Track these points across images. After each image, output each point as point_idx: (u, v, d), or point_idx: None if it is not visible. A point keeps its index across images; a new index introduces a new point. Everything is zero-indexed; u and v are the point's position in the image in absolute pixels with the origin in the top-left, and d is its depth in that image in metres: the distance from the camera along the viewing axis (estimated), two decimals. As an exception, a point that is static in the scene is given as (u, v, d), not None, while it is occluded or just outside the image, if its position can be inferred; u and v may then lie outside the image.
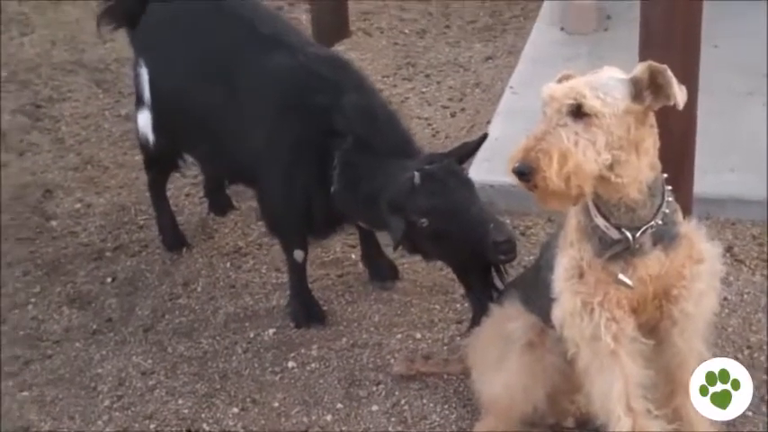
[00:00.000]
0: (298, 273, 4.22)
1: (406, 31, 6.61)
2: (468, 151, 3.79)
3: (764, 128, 4.90)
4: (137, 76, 4.47)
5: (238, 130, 4.06)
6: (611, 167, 2.81)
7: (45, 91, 6.30)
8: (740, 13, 5.80)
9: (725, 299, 3.93)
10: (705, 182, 4.19)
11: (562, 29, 6.08)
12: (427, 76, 6.05)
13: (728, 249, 4.26)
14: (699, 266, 3.10)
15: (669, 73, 2.80)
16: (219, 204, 4.99)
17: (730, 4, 5.63)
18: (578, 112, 2.75)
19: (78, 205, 5.20)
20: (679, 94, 2.80)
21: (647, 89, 2.82)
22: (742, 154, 4.75)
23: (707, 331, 3.20)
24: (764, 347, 3.79)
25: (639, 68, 2.83)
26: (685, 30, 3.65)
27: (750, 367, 3.62)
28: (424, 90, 5.90)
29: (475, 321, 3.67)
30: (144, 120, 4.49)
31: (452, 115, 5.60)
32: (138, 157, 5.48)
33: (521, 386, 3.33)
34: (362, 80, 4.02)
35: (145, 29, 4.43)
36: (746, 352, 3.78)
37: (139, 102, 4.49)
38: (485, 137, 3.84)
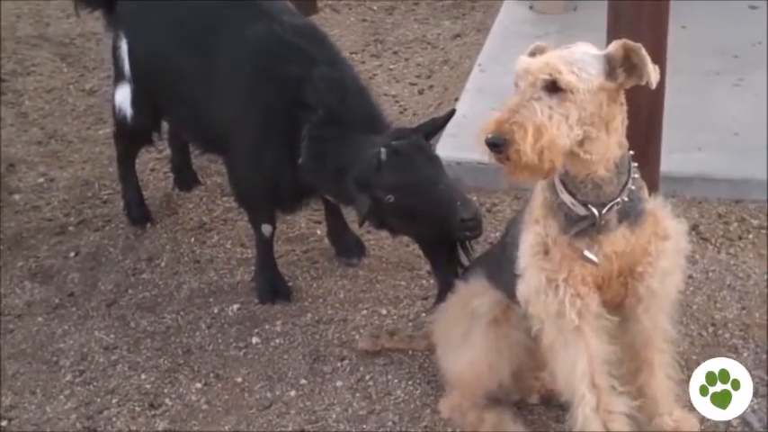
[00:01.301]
0: (264, 248, 4.20)
1: (375, 7, 6.58)
2: (435, 127, 3.76)
3: (732, 107, 4.92)
4: (116, 50, 4.43)
5: (212, 98, 4.03)
6: (581, 143, 2.80)
7: (9, 65, 6.23)
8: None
9: (690, 277, 3.94)
10: (672, 160, 4.21)
11: (531, 8, 6.07)
12: (395, 52, 6.03)
13: (694, 228, 4.27)
14: (664, 243, 3.10)
15: (643, 52, 2.78)
16: (185, 180, 4.96)
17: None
18: (553, 86, 2.74)
19: (41, 179, 5.15)
20: (653, 74, 2.79)
21: (620, 67, 2.80)
22: (709, 133, 4.76)
23: (672, 309, 3.22)
24: (729, 325, 3.79)
25: (614, 46, 2.82)
26: (653, 9, 3.64)
27: (714, 345, 3.69)
28: (392, 67, 5.87)
29: (440, 297, 3.66)
30: (122, 95, 4.45)
31: (420, 92, 5.59)
32: (102, 132, 5.50)
33: (486, 363, 3.32)
34: (335, 53, 3.99)
35: (124, 2, 4.39)
36: (711, 329, 3.78)
37: (118, 77, 4.46)
38: (452, 113, 3.82)
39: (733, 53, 5.39)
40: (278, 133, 3.85)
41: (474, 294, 3.38)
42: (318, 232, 4.56)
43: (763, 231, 4.27)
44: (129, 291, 4.33)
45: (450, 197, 3.55)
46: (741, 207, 4.42)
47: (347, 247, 4.38)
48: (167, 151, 5.10)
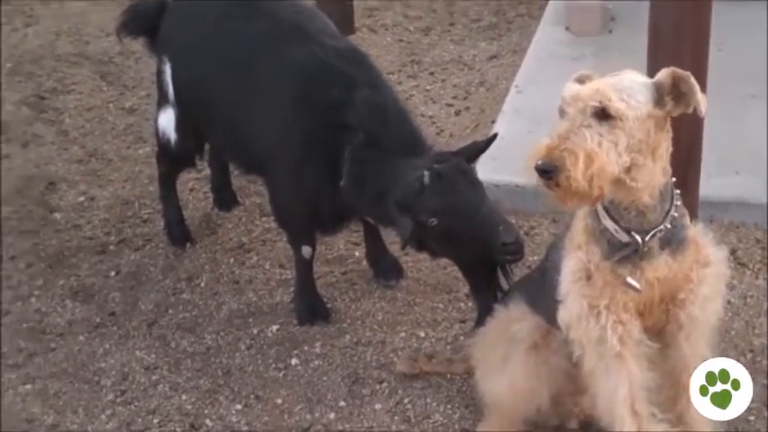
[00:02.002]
0: (304, 269, 4.23)
1: (411, 28, 6.60)
2: (477, 150, 3.78)
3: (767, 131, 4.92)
4: (159, 74, 4.47)
5: (255, 122, 4.06)
6: (627, 170, 2.81)
7: (49, 83, 6.28)
8: (742, 15, 5.80)
9: (728, 302, 3.93)
10: (709, 185, 4.20)
11: (567, 29, 6.08)
12: (431, 73, 6.05)
13: (732, 252, 4.26)
14: (705, 270, 3.11)
15: (692, 80, 2.80)
16: (225, 200, 5.00)
17: (732, 6, 5.63)
18: (602, 113, 2.75)
19: (82, 198, 5.19)
20: (702, 102, 2.81)
21: (668, 95, 2.82)
22: (746, 157, 4.76)
23: (712, 336, 3.21)
24: (766, 351, 3.79)
25: (662, 73, 2.83)
26: (695, 33, 3.65)
27: (752, 372, 3.65)
28: (428, 88, 5.90)
29: (480, 321, 3.68)
30: (166, 119, 4.49)
31: (457, 113, 5.61)
32: (142, 151, 5.55)
33: (525, 388, 3.33)
34: (377, 75, 4.01)
35: (167, 27, 4.43)
36: (749, 356, 3.79)
37: (162, 100, 4.50)
38: (494, 137, 3.84)
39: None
40: (319, 156, 3.88)
41: (514, 319, 3.40)
42: (357, 254, 4.58)
43: (801, 257, 4.28)
44: (170, 310, 4.37)
45: (493, 221, 3.57)
46: (779, 232, 4.42)
47: (385, 269, 4.40)
48: (207, 171, 5.13)
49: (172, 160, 4.68)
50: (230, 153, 4.52)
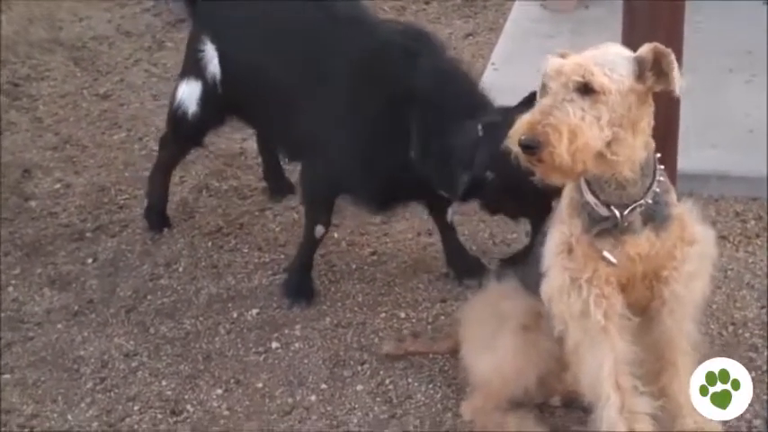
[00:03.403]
0: (310, 247, 4.21)
1: (386, 7, 6.56)
2: (528, 103, 3.72)
3: (746, 104, 4.91)
4: (195, 47, 4.38)
5: (314, 106, 4.01)
6: (608, 145, 2.80)
7: (22, 69, 6.23)
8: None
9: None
10: (688, 158, 4.17)
11: (543, 6, 6.06)
12: (407, 52, 6.00)
13: (711, 226, 4.25)
14: (690, 248, 3.10)
15: (672, 57, 2.80)
16: (279, 187, 4.90)
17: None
18: (585, 88, 2.75)
19: (57, 185, 5.14)
20: (678, 81, 2.80)
21: (649, 70, 2.81)
22: (724, 130, 4.76)
23: (696, 312, 3.20)
24: (749, 324, 3.79)
25: (644, 48, 2.83)
26: (670, 7, 3.63)
27: (735, 344, 3.68)
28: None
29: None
30: (188, 91, 4.39)
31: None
32: (117, 137, 5.52)
33: (513, 368, 3.32)
34: (439, 48, 3.97)
35: (212, 5, 4.41)
36: (731, 329, 3.78)
37: (188, 73, 4.43)
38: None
39: (746, 49, 5.37)
40: (387, 130, 3.82)
41: (505, 296, 3.38)
42: (336, 236, 4.55)
43: (782, 229, 4.27)
44: (148, 296, 4.33)
45: None
46: (758, 204, 4.41)
47: (467, 269, 4.26)
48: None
49: (183, 137, 4.58)
50: (280, 139, 4.45)
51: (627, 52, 2.86)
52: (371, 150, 3.88)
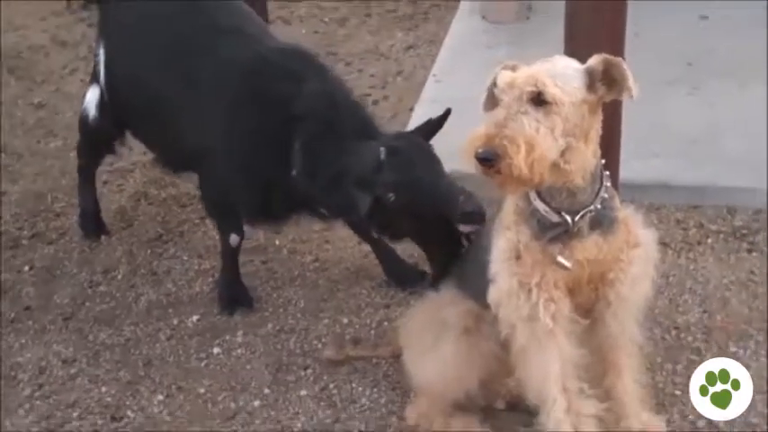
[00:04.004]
0: (230, 257, 4.17)
1: (326, 19, 6.57)
2: (433, 127, 3.71)
3: (687, 115, 4.96)
4: (95, 54, 4.41)
5: (194, 118, 3.96)
6: (562, 154, 2.81)
7: (-43, 79, 6.15)
8: (661, 1, 5.86)
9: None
10: (630, 168, 4.21)
11: (483, 17, 6.08)
12: (348, 64, 6.01)
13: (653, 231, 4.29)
14: (635, 251, 3.13)
15: (624, 66, 2.82)
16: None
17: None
18: (538, 99, 2.75)
19: (-7, 193, 5.08)
20: (634, 88, 2.82)
21: (599, 80, 2.84)
22: (665, 140, 4.79)
23: (639, 314, 3.23)
24: (691, 328, 3.81)
25: (594, 60, 2.85)
26: (611, 20, 3.68)
27: (678, 348, 3.71)
28: (345, 78, 5.81)
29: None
30: (91, 96, 4.43)
31: (375, 103, 5.56)
32: (53, 145, 5.46)
33: (455, 373, 3.30)
34: (325, 70, 3.94)
35: (106, 10, 4.38)
36: (674, 333, 3.80)
37: (93, 78, 4.45)
38: (448, 113, 3.72)
39: (687, 61, 5.43)
40: (268, 147, 3.79)
41: (444, 304, 3.37)
42: (277, 242, 4.53)
43: (722, 236, 4.30)
44: (87, 303, 4.27)
45: (453, 191, 3.50)
46: (699, 212, 4.45)
47: (405, 277, 4.23)
48: (120, 163, 5.06)
49: (90, 143, 4.59)
50: (161, 150, 4.39)
51: (576, 64, 2.88)
52: (249, 163, 3.86)
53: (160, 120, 4.13)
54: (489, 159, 2.73)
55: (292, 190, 3.79)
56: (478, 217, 3.45)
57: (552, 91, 2.76)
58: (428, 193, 3.51)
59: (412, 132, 3.74)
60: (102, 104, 4.38)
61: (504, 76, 2.82)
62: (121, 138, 4.52)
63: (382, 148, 3.53)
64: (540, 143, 2.73)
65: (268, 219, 4.06)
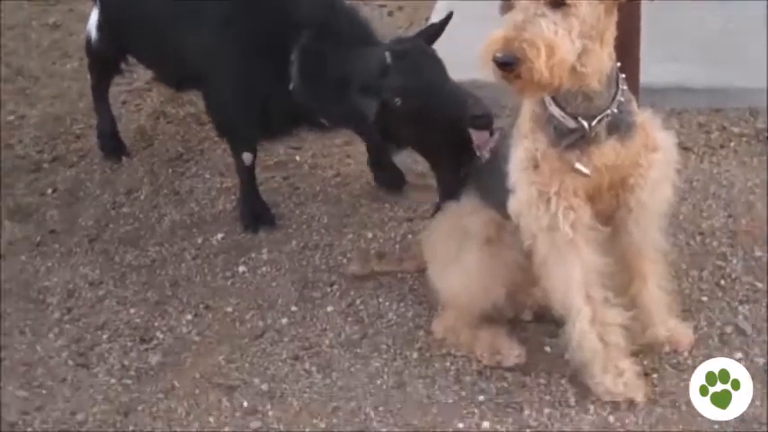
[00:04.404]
0: (247, 175, 4.16)
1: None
2: (435, 31, 3.66)
3: (706, 16, 4.90)
4: None
5: (190, 33, 3.93)
6: (578, 57, 2.78)
7: (-32, 2, 6.11)
8: None
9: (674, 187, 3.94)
10: (649, 72, 4.17)
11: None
12: (363, -26, 5.94)
13: (674, 135, 4.26)
14: (654, 155, 3.12)
15: None
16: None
17: None
18: (555, 1, 2.71)
19: (11, 117, 5.06)
20: None
21: None
22: (685, 43, 4.74)
23: (662, 220, 3.22)
24: (716, 233, 3.81)
25: None
26: None
27: (703, 254, 3.70)
28: (360, -11, 5.80)
29: (442, 204, 3.58)
30: (93, 17, 4.45)
31: (390, 14, 5.53)
32: (69, 66, 5.43)
33: (480, 283, 3.31)
34: None
35: None
36: (698, 238, 3.80)
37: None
38: (450, 16, 3.69)
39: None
40: (266, 59, 3.76)
41: (466, 213, 3.36)
42: (297, 158, 4.53)
43: (745, 139, 4.27)
44: (111, 225, 4.29)
45: (460, 95, 3.47)
46: (721, 116, 4.42)
47: (387, 179, 4.28)
48: (137, 83, 5.05)
49: (95, 63, 4.61)
50: (160, 67, 4.40)
51: None
52: (248, 78, 3.84)
53: (155, 38, 4.11)
54: (509, 63, 2.70)
55: (291, 104, 3.76)
56: (487, 120, 3.42)
57: None
58: (436, 97, 3.47)
59: (414, 37, 3.69)
60: (100, 26, 4.39)
61: None
62: (123, 58, 4.52)
63: (387, 53, 3.50)
64: (560, 46, 2.70)
65: (267, 135, 4.06)
